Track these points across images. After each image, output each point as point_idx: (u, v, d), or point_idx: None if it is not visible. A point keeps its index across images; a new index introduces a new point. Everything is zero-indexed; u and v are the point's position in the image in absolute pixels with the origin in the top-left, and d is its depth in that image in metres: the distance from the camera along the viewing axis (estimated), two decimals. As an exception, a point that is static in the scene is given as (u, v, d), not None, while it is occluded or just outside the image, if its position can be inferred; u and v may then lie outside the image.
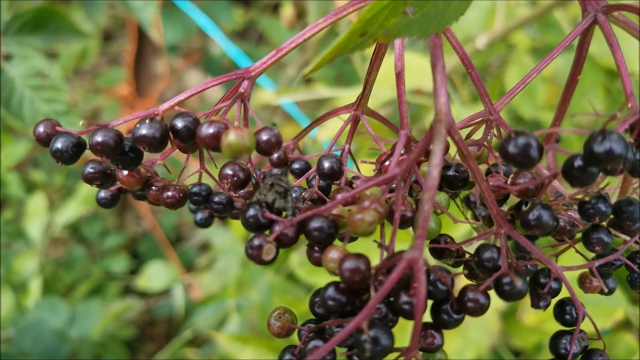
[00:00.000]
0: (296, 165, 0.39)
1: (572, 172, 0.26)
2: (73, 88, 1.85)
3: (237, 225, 1.45)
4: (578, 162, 0.26)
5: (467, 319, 0.88)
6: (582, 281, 0.36)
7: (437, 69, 0.26)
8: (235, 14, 1.75)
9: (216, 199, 0.36)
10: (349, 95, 1.17)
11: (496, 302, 1.01)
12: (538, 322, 0.93)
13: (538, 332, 1.05)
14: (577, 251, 0.34)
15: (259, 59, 0.30)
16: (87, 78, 2.06)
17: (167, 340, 1.60)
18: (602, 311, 0.92)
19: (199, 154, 0.36)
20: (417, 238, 0.25)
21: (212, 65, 1.79)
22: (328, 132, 1.05)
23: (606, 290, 0.33)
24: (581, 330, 0.31)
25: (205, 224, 0.44)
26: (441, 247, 0.30)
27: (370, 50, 0.33)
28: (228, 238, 1.51)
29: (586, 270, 0.37)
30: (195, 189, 0.37)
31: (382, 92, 1.09)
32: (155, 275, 1.51)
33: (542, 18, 1.28)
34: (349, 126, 0.38)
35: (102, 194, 0.38)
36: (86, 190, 1.43)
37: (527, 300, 0.89)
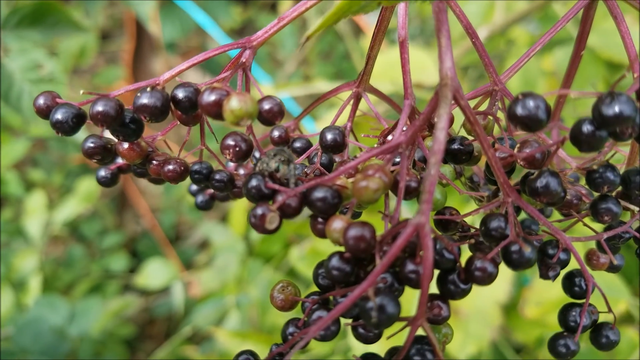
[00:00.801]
0: (297, 144, 0.39)
1: (581, 137, 0.25)
2: (72, 87, 1.84)
3: (236, 222, 1.44)
4: (586, 126, 0.25)
5: (468, 312, 0.87)
6: (590, 258, 0.36)
7: (442, 33, 0.25)
8: (233, 11, 1.75)
9: (217, 176, 0.36)
10: (347, 90, 1.17)
11: (497, 296, 1.00)
12: (540, 315, 0.93)
13: (539, 326, 1.05)
14: (585, 224, 0.33)
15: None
16: (86, 77, 2.05)
17: (167, 338, 1.59)
18: (604, 304, 0.91)
19: (200, 130, 0.35)
20: (424, 202, 0.24)
21: (211, 63, 1.79)
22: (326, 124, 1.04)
23: (613, 262, 0.33)
24: (590, 304, 0.31)
25: (205, 206, 0.44)
26: (447, 218, 0.29)
27: (369, 43, 0.33)
28: (227, 235, 1.51)
29: (593, 247, 0.36)
30: (196, 167, 0.36)
31: (382, 85, 1.08)
32: (155, 273, 1.50)
33: (542, 12, 1.27)
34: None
35: (102, 172, 0.37)
36: (85, 188, 1.42)
37: (528, 292, 0.88)
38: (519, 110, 0.24)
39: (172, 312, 1.61)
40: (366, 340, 0.28)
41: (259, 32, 0.29)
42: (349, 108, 0.39)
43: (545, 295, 0.93)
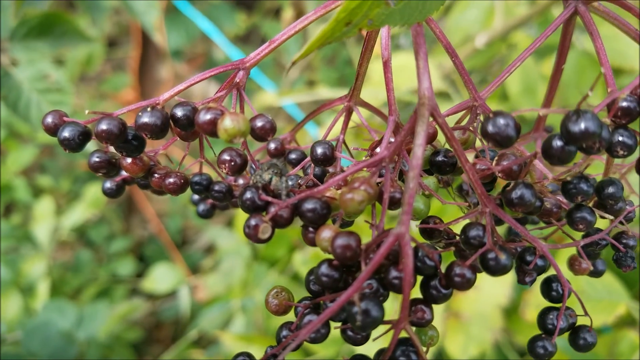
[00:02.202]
0: (293, 156, 0.41)
1: (551, 151, 0.27)
2: (79, 94, 1.87)
3: (241, 227, 1.46)
4: (556, 141, 0.27)
5: (470, 316, 0.89)
6: (572, 263, 0.38)
7: (420, 56, 0.27)
8: (238, 18, 1.77)
9: (216, 187, 0.38)
10: (339, 104, 1.19)
11: (498, 299, 1.01)
12: (540, 317, 0.94)
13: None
14: (564, 232, 0.35)
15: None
16: (93, 84, 2.08)
17: (173, 342, 1.61)
18: (604, 306, 0.93)
19: (199, 144, 0.38)
20: (404, 214, 0.26)
21: (216, 69, 1.81)
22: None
23: (590, 268, 0.35)
24: (569, 308, 0.33)
25: (206, 214, 0.46)
26: (430, 227, 0.31)
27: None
28: (233, 240, 1.53)
29: (575, 253, 0.38)
30: (196, 178, 0.38)
31: (382, 92, 1.11)
32: (161, 277, 1.52)
33: (542, 17, 1.29)
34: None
35: (108, 184, 0.39)
36: (92, 194, 1.45)
37: (528, 295, 0.90)
38: (490, 128, 0.26)
39: (178, 316, 1.63)
40: (355, 342, 0.30)
41: (251, 55, 0.31)
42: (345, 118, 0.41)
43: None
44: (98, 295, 1.60)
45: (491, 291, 0.98)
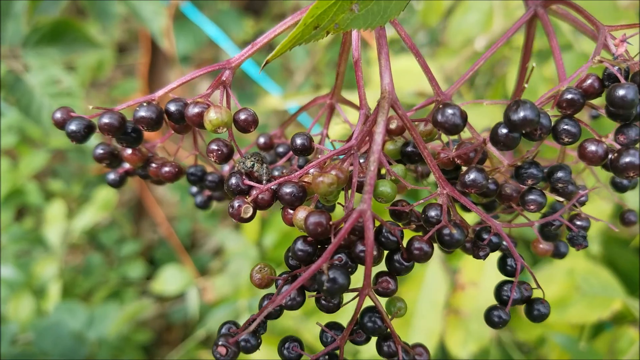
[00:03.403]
0: (281, 149, 0.45)
1: (497, 138, 0.31)
2: (90, 99, 1.93)
3: (249, 229, 1.51)
4: (501, 129, 0.31)
5: (469, 313, 0.93)
6: (534, 246, 0.42)
7: (382, 55, 0.32)
8: (245, 24, 1.83)
9: (209, 177, 0.43)
10: (352, 98, 1.23)
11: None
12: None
13: (540, 326, 1.10)
14: (523, 215, 0.39)
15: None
16: (104, 90, 2.15)
17: (187, 353, 1.66)
18: (600, 302, 0.96)
19: (193, 139, 0.42)
20: (366, 193, 0.31)
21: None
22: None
23: (548, 249, 0.39)
24: (525, 282, 0.36)
25: (204, 205, 0.50)
26: (396, 208, 0.35)
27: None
28: (240, 242, 1.57)
29: (538, 237, 0.42)
30: (191, 170, 0.43)
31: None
32: (170, 279, 1.57)
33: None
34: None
35: (112, 175, 0.44)
36: (102, 197, 1.50)
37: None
38: (439, 117, 0.30)
39: (188, 318, 1.68)
40: (328, 310, 0.34)
41: (236, 56, 0.36)
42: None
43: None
44: (108, 297, 1.65)
45: (490, 288, 1.01)
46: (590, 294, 0.96)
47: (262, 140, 0.45)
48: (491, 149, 0.36)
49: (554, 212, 0.39)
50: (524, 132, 0.31)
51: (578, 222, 0.38)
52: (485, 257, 0.35)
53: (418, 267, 1.07)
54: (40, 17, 0.97)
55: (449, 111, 0.30)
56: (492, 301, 1.02)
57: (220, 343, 0.32)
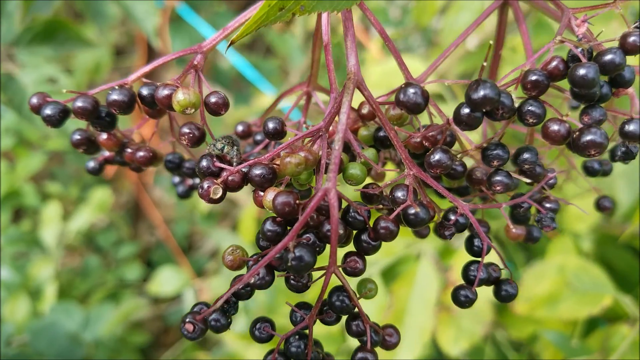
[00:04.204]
0: (258, 137, 0.46)
1: (459, 118, 0.32)
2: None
3: (245, 230, 1.52)
4: (463, 109, 0.32)
5: (461, 310, 0.93)
6: (506, 230, 0.42)
7: (348, 38, 0.32)
8: (242, 26, 1.84)
9: (187, 164, 0.43)
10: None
11: (489, 293, 1.05)
12: (529, 309, 0.98)
13: (532, 323, 1.10)
14: (493, 198, 0.40)
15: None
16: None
17: (183, 353, 1.67)
18: (590, 298, 0.96)
19: (170, 127, 0.43)
20: (331, 172, 0.31)
21: (221, 76, 1.88)
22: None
23: (520, 233, 0.39)
24: (493, 264, 0.37)
25: (185, 195, 0.51)
26: (366, 191, 0.36)
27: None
28: (236, 242, 1.58)
29: (510, 223, 0.43)
30: (169, 157, 0.44)
31: (379, 91, 1.16)
32: (167, 280, 1.58)
33: (536, 19, 1.33)
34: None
35: (92, 163, 0.45)
36: (99, 197, 1.51)
37: (519, 289, 0.94)
38: (401, 97, 0.31)
39: (184, 319, 1.68)
40: (297, 289, 0.35)
41: (207, 40, 0.37)
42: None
43: (534, 291, 0.98)
44: (105, 299, 1.66)
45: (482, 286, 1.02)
46: (581, 290, 0.96)
47: (240, 128, 0.46)
48: (458, 132, 0.36)
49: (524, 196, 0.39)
50: (484, 110, 0.31)
51: (547, 205, 0.38)
52: (451, 236, 0.35)
53: (410, 265, 1.08)
54: (33, 17, 0.98)
55: (411, 90, 0.31)
56: (483, 298, 1.02)
57: (187, 320, 0.33)
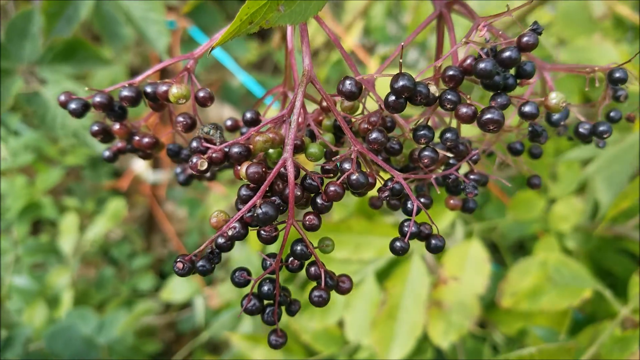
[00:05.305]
0: (244, 130, 0.57)
1: (388, 103, 0.43)
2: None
3: (253, 239, 1.62)
4: (389, 96, 0.42)
5: (451, 305, 1.03)
6: (446, 201, 0.53)
7: (304, 44, 0.43)
8: (250, 47, 1.97)
9: (184, 152, 0.54)
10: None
11: (477, 289, 1.14)
12: (514, 304, 1.06)
13: (521, 320, 1.19)
14: (428, 173, 0.50)
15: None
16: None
17: (191, 355, 1.77)
18: (571, 291, 1.05)
19: (170, 121, 0.54)
20: (287, 145, 0.42)
21: (230, 94, 2.01)
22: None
23: (457, 203, 0.49)
24: (425, 223, 0.47)
25: (185, 182, 0.62)
26: (323, 165, 0.46)
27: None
28: (245, 251, 1.69)
29: (451, 195, 0.53)
30: (170, 146, 0.55)
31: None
32: (178, 287, 1.69)
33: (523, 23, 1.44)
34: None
35: (107, 152, 0.56)
36: (113, 207, 1.63)
37: (504, 285, 1.02)
38: (340, 86, 0.41)
39: (196, 327, 1.79)
40: (266, 240, 0.45)
41: (198, 49, 0.48)
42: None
43: (519, 286, 1.07)
44: (119, 307, 1.77)
45: (470, 282, 1.11)
46: (562, 284, 1.05)
47: (229, 122, 0.57)
48: (397, 118, 0.47)
49: (463, 175, 0.49)
50: (404, 97, 0.42)
51: (471, 176, 0.48)
52: (385, 197, 0.46)
53: (403, 263, 1.17)
54: (54, 38, 1.10)
55: (347, 81, 0.41)
56: (471, 293, 1.11)
57: (178, 260, 0.43)
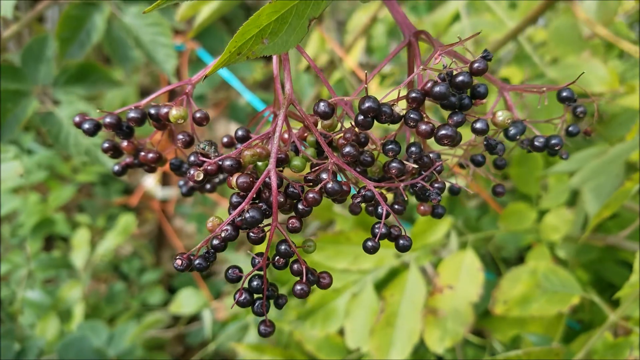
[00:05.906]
0: (239, 146, 0.65)
1: (357, 122, 0.50)
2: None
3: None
4: (358, 115, 0.50)
5: (446, 312, 1.11)
6: (417, 208, 0.60)
7: (285, 70, 0.51)
8: (255, 67, 2.06)
9: (184, 166, 0.62)
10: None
11: (471, 297, 1.21)
12: (506, 311, 1.13)
13: (515, 327, 1.25)
14: (399, 181, 0.57)
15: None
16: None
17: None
18: (560, 298, 1.11)
19: (174, 139, 0.62)
20: (271, 158, 0.50)
21: (237, 112, 2.10)
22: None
23: (427, 210, 0.57)
24: (395, 225, 0.54)
25: (188, 193, 0.70)
26: (306, 176, 0.54)
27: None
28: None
29: (422, 202, 0.60)
30: (173, 160, 0.63)
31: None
32: (186, 300, 1.76)
33: (518, 50, 1.52)
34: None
35: (116, 167, 0.64)
36: (123, 222, 1.71)
37: (497, 293, 1.09)
38: (315, 107, 0.49)
39: (204, 339, 1.86)
40: (255, 241, 0.52)
41: (195, 76, 0.56)
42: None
43: (510, 294, 1.14)
44: (129, 320, 1.85)
45: (465, 290, 1.17)
46: (551, 291, 1.11)
47: (225, 140, 0.65)
48: (370, 134, 0.55)
49: (428, 182, 0.57)
50: (370, 116, 0.49)
51: (436, 185, 0.56)
52: (359, 203, 0.53)
53: (401, 273, 1.24)
54: (68, 61, 1.19)
55: (321, 104, 0.49)
56: (466, 301, 1.17)
57: (177, 258, 0.51)
